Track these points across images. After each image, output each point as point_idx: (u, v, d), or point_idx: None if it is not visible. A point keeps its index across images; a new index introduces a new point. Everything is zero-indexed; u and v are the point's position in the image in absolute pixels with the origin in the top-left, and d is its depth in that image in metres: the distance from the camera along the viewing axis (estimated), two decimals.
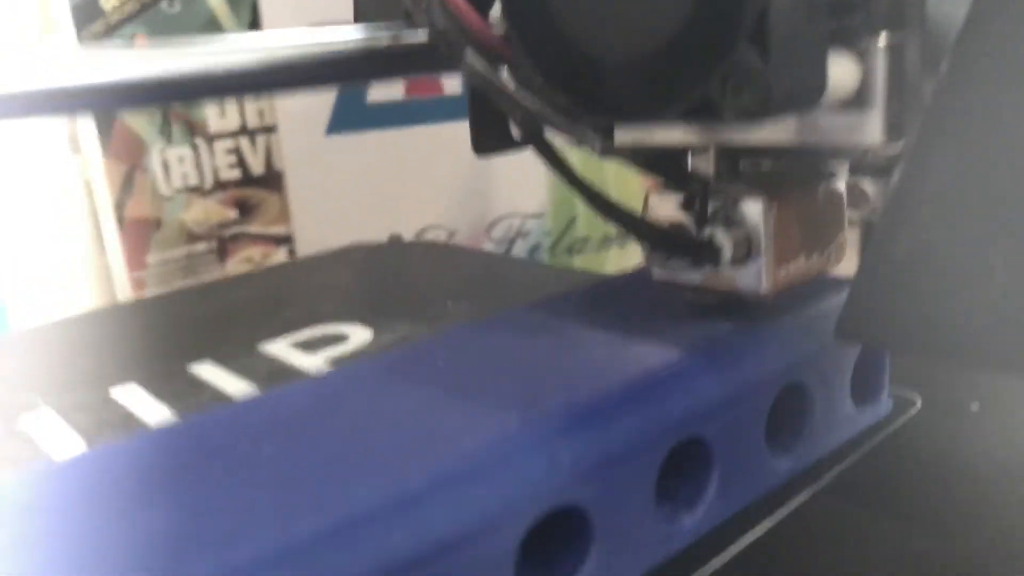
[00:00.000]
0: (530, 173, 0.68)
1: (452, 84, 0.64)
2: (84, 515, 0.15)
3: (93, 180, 0.67)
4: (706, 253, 0.21)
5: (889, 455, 0.24)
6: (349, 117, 0.63)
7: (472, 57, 0.20)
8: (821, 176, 0.22)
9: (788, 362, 0.21)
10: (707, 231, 0.21)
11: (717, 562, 0.20)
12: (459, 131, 0.66)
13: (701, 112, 0.19)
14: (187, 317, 0.43)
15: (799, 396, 0.22)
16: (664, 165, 0.21)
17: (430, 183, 0.66)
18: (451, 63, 0.21)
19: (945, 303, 0.16)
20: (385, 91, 0.63)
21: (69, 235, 0.67)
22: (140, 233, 0.69)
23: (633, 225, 0.21)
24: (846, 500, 0.22)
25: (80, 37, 0.66)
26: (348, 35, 0.24)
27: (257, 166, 0.72)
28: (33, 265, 0.65)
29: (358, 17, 0.29)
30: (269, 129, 0.71)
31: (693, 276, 0.22)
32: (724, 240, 0.21)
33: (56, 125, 0.66)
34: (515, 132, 0.27)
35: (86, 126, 0.66)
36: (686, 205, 0.21)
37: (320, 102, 0.63)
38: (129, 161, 0.68)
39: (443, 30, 0.21)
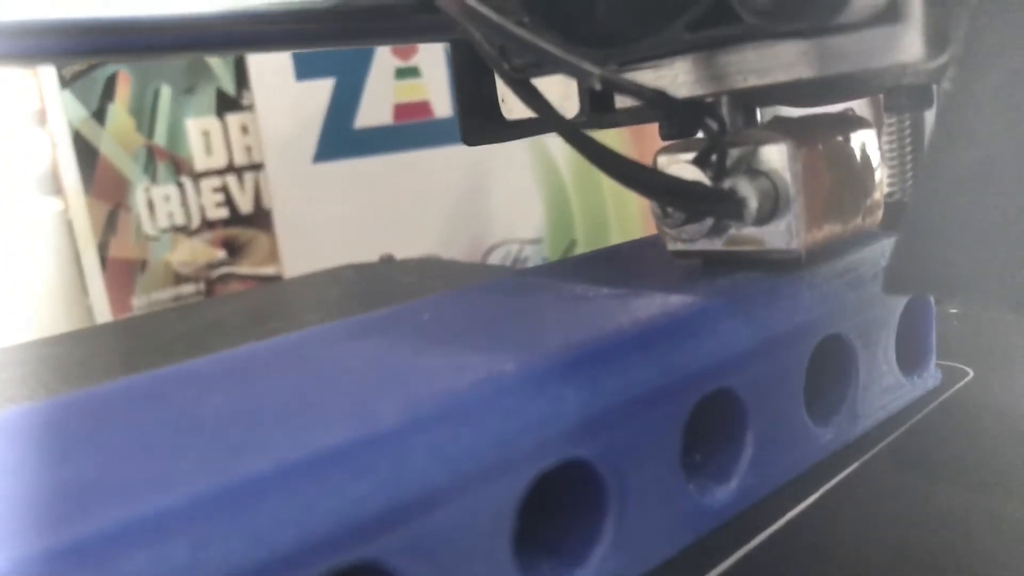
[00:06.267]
0: (526, 198, 0.66)
1: (442, 107, 0.62)
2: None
3: (75, 219, 0.65)
4: (729, 206, 0.18)
5: (944, 424, 0.21)
6: (337, 144, 0.61)
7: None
8: (849, 122, 0.20)
9: (826, 311, 0.18)
10: (727, 183, 0.18)
11: (755, 542, 0.16)
12: (451, 156, 0.64)
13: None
14: (174, 331, 0.40)
15: (839, 353, 0.19)
16: (671, 103, 0.18)
17: (423, 210, 0.63)
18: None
19: (1013, 231, 0.13)
20: (374, 116, 0.61)
21: (48, 277, 0.65)
22: (124, 274, 0.67)
23: (639, 178, 0.18)
24: (898, 469, 0.19)
25: (62, 75, 0.64)
26: None
27: (245, 204, 0.70)
28: (8, 308, 0.62)
29: None
30: (257, 167, 0.69)
31: (713, 242, 0.19)
32: (747, 190, 0.18)
33: (34, 163, 0.63)
34: (505, 112, 0.25)
35: (67, 164, 0.64)
36: (700, 160, 0.18)
37: (307, 129, 0.61)
38: (113, 200, 0.66)
39: None
